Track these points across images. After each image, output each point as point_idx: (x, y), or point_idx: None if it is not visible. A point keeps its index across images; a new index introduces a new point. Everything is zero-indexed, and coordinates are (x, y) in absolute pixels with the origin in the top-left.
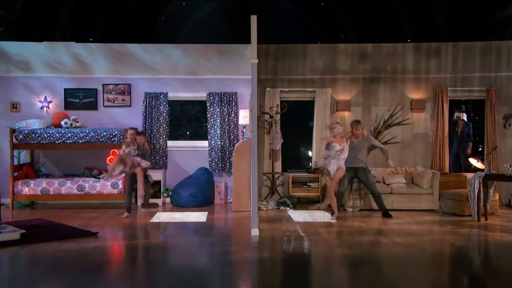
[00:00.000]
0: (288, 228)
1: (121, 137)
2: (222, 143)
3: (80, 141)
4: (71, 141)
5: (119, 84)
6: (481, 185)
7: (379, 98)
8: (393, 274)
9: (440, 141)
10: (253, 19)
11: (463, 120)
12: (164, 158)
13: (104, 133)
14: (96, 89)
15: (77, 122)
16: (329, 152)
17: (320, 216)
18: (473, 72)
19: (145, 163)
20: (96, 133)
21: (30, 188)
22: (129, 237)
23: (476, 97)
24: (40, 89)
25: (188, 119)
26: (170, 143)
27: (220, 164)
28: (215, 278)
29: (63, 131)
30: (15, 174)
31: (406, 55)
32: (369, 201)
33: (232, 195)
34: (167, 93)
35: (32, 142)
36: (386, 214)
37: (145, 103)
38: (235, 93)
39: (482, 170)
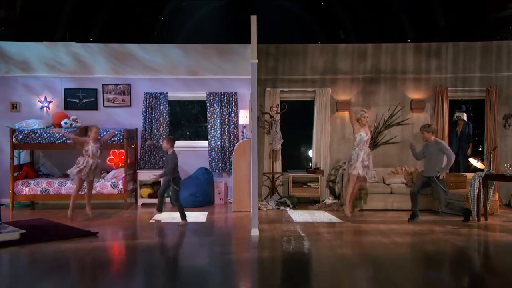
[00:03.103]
0: (288, 228)
1: (122, 137)
2: (222, 143)
3: None
4: (71, 141)
5: (119, 84)
6: (481, 185)
7: (379, 98)
8: (393, 274)
9: None
10: (253, 19)
11: (463, 120)
12: (164, 158)
13: (104, 133)
14: (96, 89)
15: (77, 122)
16: (357, 149)
17: (320, 216)
18: (473, 72)
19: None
20: (96, 133)
21: (30, 188)
22: (129, 237)
23: (476, 97)
24: (40, 89)
25: (188, 119)
26: None
27: (220, 164)
28: (215, 278)
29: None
30: (15, 174)
31: (406, 55)
32: (369, 201)
33: (232, 195)
34: (167, 93)
35: (32, 142)
36: (466, 215)
37: (145, 103)
38: (235, 93)
39: (482, 170)
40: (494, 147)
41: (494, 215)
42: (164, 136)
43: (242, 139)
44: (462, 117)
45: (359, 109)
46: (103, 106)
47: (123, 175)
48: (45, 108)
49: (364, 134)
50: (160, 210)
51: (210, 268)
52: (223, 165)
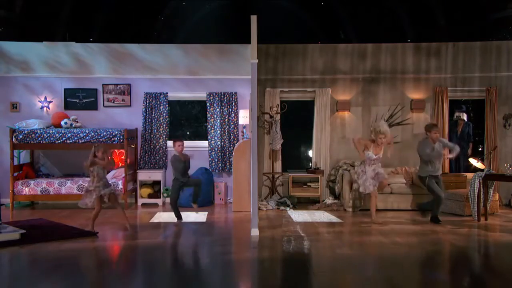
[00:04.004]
0: (288, 228)
1: (122, 137)
2: (222, 143)
3: (80, 141)
4: (71, 141)
5: (119, 84)
6: (481, 185)
7: (379, 98)
8: (393, 274)
9: None
10: (253, 19)
11: (463, 120)
12: (164, 158)
13: (104, 133)
14: (96, 89)
15: (77, 122)
16: (365, 165)
17: (320, 216)
18: (473, 72)
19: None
20: (96, 133)
21: (30, 188)
22: (129, 237)
23: (476, 97)
24: (40, 89)
25: (188, 119)
26: (170, 143)
27: (220, 164)
28: (215, 278)
29: (63, 131)
30: (15, 174)
31: (406, 55)
32: (369, 201)
33: (232, 195)
34: (167, 93)
35: (32, 142)
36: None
37: (145, 103)
38: (235, 93)
39: (482, 170)
40: (494, 147)
41: (494, 215)
42: (164, 136)
43: (242, 139)
44: (462, 117)
45: (378, 129)
46: (103, 106)
47: (123, 175)
48: (45, 108)
49: (372, 154)
50: (180, 217)
51: (210, 268)
52: (223, 165)
